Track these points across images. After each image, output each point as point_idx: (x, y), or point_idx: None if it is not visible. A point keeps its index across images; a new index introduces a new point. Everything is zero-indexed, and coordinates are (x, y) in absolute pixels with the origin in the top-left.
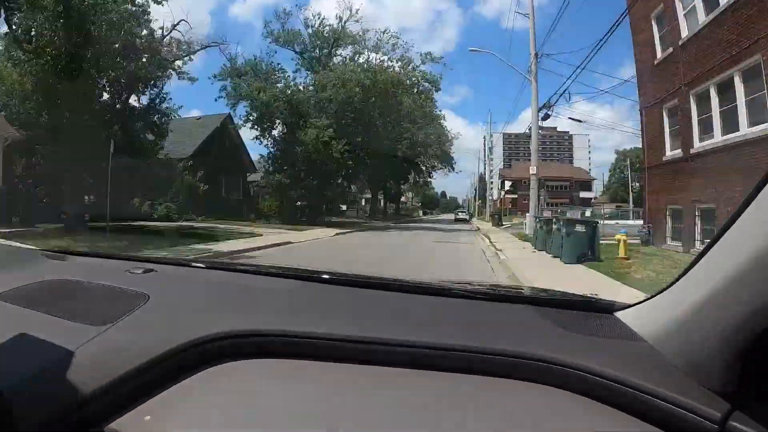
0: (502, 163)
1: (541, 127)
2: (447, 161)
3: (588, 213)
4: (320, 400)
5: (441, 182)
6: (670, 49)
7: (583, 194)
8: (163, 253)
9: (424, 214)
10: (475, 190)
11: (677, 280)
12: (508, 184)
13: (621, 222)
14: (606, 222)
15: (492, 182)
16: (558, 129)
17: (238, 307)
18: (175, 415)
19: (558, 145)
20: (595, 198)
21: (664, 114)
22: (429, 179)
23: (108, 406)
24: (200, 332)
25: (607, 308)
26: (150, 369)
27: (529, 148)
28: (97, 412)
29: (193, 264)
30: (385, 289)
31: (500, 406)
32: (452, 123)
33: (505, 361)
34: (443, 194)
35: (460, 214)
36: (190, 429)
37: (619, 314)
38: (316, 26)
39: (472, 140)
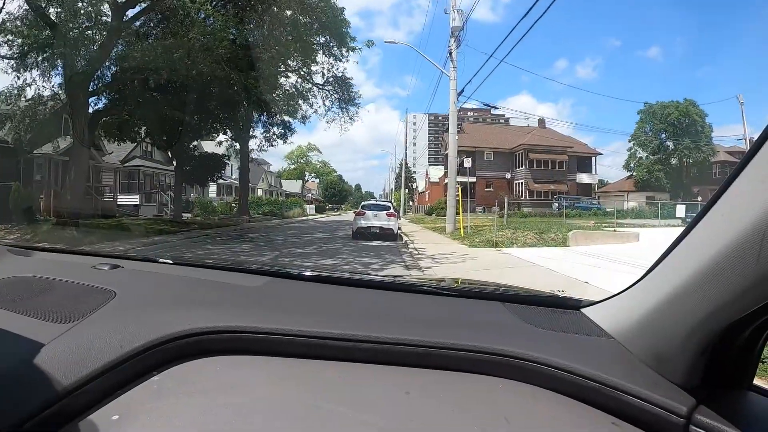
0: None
1: (473, 109)
2: (338, 38)
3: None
4: (292, 396)
5: (354, 176)
6: None
7: (582, 177)
8: None
9: (320, 211)
10: (397, 178)
11: (643, 277)
12: (467, 162)
13: None
14: None
15: (415, 173)
16: (492, 112)
17: (206, 303)
18: (143, 414)
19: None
20: (603, 185)
21: None
22: (296, 104)
23: (74, 406)
24: (169, 329)
25: (575, 305)
26: (118, 367)
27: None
28: (63, 413)
29: (160, 260)
30: (356, 286)
31: (469, 401)
32: (387, 115)
33: (474, 356)
34: (358, 187)
35: (375, 215)
36: (159, 428)
37: (586, 311)
38: None
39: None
